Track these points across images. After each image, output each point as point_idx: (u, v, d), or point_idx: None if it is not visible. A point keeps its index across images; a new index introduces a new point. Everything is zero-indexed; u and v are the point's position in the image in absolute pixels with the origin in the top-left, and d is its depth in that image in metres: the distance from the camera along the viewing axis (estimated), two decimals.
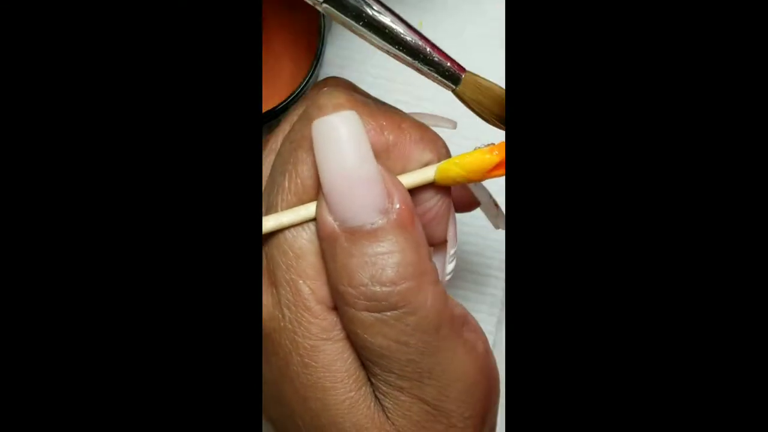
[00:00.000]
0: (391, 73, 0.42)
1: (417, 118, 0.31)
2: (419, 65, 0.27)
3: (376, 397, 0.25)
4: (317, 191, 0.26)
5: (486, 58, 0.42)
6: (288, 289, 0.25)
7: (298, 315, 0.25)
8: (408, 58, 0.27)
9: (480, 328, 0.27)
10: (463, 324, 0.26)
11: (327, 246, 0.25)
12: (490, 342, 0.41)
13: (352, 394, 0.25)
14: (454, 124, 0.31)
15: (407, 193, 0.25)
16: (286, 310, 0.25)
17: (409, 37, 0.27)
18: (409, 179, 0.26)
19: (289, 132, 0.27)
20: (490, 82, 0.28)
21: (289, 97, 0.38)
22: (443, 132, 0.29)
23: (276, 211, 0.26)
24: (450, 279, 0.29)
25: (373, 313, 0.24)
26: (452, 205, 0.28)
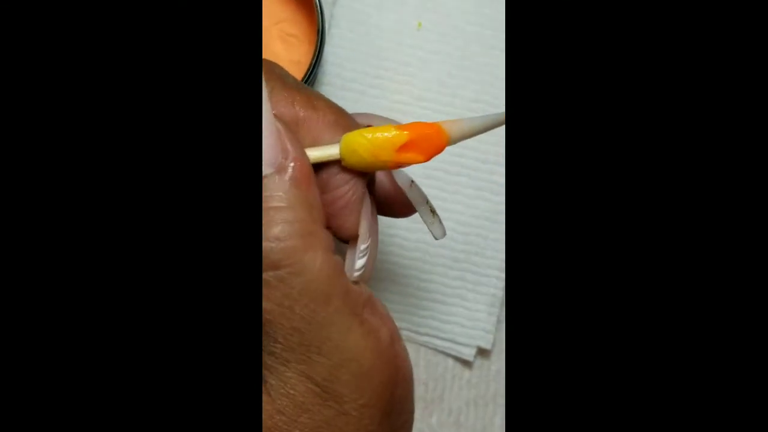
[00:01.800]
0: (391, 73, 0.42)
1: (364, 118, 0.30)
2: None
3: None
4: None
5: (486, 58, 0.42)
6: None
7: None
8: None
9: (389, 317, 0.26)
10: (364, 305, 0.25)
11: None
12: (491, 341, 0.42)
13: None
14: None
15: (305, 154, 0.24)
16: None
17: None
18: (314, 153, 0.25)
19: None
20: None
21: None
22: None
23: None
24: (360, 274, 0.27)
25: (264, 272, 0.22)
26: (366, 196, 0.26)
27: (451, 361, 0.42)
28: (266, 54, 0.41)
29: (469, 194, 0.42)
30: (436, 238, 0.28)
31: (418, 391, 0.41)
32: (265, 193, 0.23)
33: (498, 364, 0.42)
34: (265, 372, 0.23)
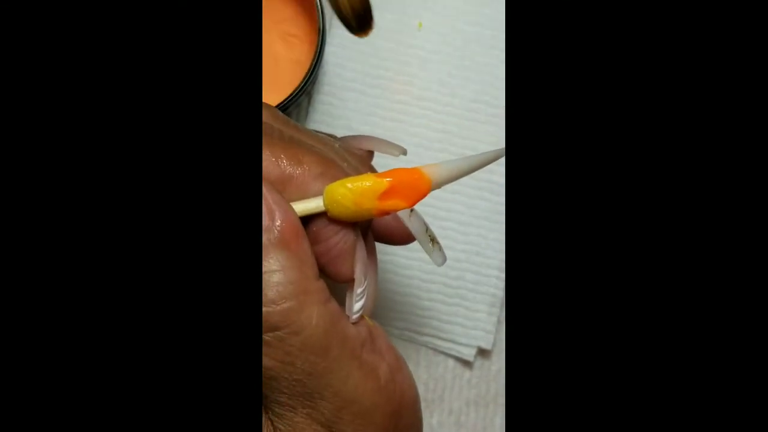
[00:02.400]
0: (392, 73, 0.42)
1: (365, 141, 0.30)
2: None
3: (270, 420, 0.25)
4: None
5: (486, 58, 0.42)
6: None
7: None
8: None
9: (390, 348, 0.27)
10: (363, 345, 0.26)
11: None
12: (491, 341, 0.42)
13: None
14: (403, 151, 0.31)
15: (292, 210, 0.25)
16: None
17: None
18: (299, 207, 0.26)
19: None
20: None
21: (288, 96, 0.38)
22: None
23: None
24: (363, 309, 0.28)
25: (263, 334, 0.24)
26: (359, 242, 0.27)
27: (451, 361, 0.42)
28: (267, 54, 0.41)
29: (469, 194, 0.42)
30: (438, 266, 0.29)
31: (419, 390, 0.41)
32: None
33: (498, 364, 0.42)
34: (274, 419, 0.25)
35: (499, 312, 0.42)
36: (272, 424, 0.25)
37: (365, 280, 0.27)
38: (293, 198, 0.26)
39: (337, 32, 0.42)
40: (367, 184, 0.25)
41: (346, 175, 0.27)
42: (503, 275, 0.42)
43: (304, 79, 0.38)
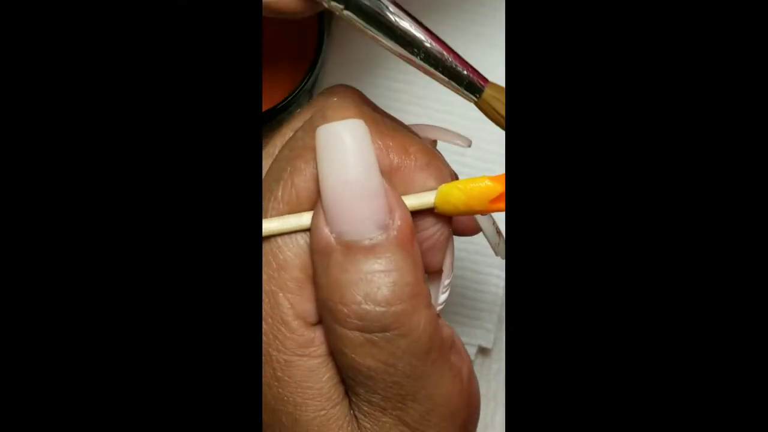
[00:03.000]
0: (392, 72, 0.42)
1: (432, 132, 0.30)
2: (440, 74, 0.26)
3: (355, 416, 0.25)
4: (311, 204, 0.25)
5: (486, 58, 0.42)
6: (267, 300, 0.25)
7: (275, 328, 0.24)
8: (428, 66, 0.26)
9: (464, 350, 0.27)
10: (450, 347, 0.26)
11: (320, 259, 0.24)
12: (491, 340, 0.42)
13: (324, 412, 0.24)
14: (468, 143, 0.30)
15: (408, 210, 0.25)
16: (267, 318, 0.25)
17: (429, 44, 0.26)
18: (409, 201, 0.25)
19: (290, 139, 0.26)
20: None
21: (288, 96, 0.38)
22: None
23: (265, 218, 0.25)
24: (442, 309, 0.28)
25: (364, 333, 0.23)
26: (452, 236, 0.27)
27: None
28: (266, 54, 0.41)
29: None
30: (502, 258, 0.29)
31: None
32: (372, 256, 0.23)
33: (499, 362, 0.42)
34: (360, 416, 0.25)
35: (499, 311, 0.42)
36: (357, 421, 0.25)
37: (452, 273, 0.27)
38: (399, 189, 0.25)
39: (337, 32, 0.42)
40: (482, 186, 0.25)
41: (447, 166, 0.27)
42: (503, 274, 0.42)
43: (304, 79, 0.38)
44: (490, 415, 0.42)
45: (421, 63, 0.26)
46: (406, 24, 0.26)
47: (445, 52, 0.26)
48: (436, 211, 0.26)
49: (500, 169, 0.42)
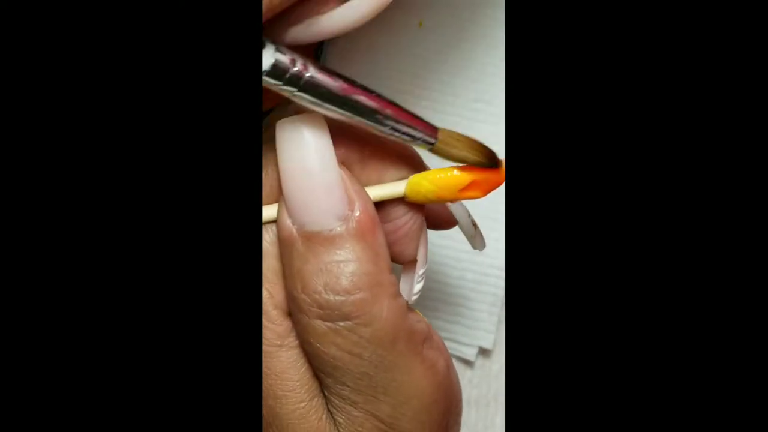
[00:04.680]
0: (391, 71, 0.42)
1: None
2: (395, 136, 0.25)
3: (328, 410, 0.25)
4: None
5: (486, 58, 0.42)
6: None
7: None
8: (383, 130, 0.25)
9: (443, 346, 0.27)
10: (423, 341, 0.26)
11: (284, 249, 0.24)
12: (491, 341, 0.41)
13: (303, 404, 0.25)
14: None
15: (370, 201, 0.25)
16: None
17: (384, 112, 0.25)
18: (379, 191, 0.26)
19: (264, 133, 0.27)
20: (463, 135, 0.27)
21: None
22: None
23: None
24: (418, 298, 0.28)
25: (326, 322, 0.24)
26: (425, 224, 0.27)
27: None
28: None
29: None
30: (480, 250, 0.29)
31: None
32: (332, 246, 0.24)
33: (499, 363, 0.42)
34: (333, 410, 0.25)
35: (499, 311, 0.42)
36: (331, 416, 0.25)
37: (426, 262, 0.27)
38: (372, 177, 0.26)
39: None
40: (452, 177, 0.26)
41: (418, 156, 0.27)
42: (503, 275, 0.41)
43: None
44: (491, 417, 0.42)
45: (378, 128, 0.25)
46: (361, 97, 0.25)
47: (400, 117, 0.26)
48: (405, 199, 0.26)
49: None
